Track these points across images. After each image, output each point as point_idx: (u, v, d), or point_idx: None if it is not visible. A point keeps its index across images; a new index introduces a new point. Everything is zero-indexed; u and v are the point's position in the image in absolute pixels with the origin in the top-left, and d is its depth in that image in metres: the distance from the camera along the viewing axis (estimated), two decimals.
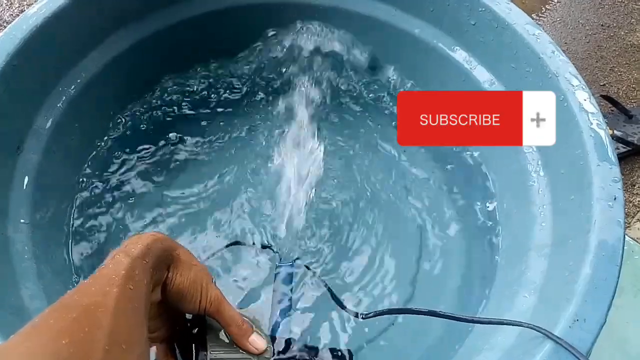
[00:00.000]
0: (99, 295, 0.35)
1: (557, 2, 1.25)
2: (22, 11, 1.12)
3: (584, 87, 0.58)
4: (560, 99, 0.58)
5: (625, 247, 0.49)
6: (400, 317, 0.64)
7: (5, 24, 1.10)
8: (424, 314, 0.54)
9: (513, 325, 0.47)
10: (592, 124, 0.55)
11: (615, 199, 0.50)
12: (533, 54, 0.62)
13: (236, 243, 0.67)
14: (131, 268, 0.37)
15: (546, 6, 1.25)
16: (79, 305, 0.34)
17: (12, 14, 1.11)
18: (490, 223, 0.68)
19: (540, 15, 1.23)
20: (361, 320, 0.60)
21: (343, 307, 0.61)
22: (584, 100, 0.57)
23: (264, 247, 0.67)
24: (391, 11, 0.74)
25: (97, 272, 0.37)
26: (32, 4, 1.12)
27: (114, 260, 0.38)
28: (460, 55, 0.71)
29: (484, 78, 0.69)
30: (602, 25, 1.21)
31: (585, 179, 0.53)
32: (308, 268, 0.65)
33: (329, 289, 0.63)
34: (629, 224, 0.90)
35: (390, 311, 0.60)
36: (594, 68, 1.13)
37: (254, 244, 0.67)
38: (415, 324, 0.63)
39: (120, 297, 0.35)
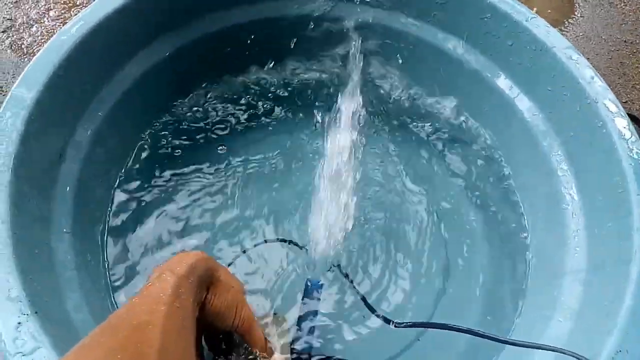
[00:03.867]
0: (147, 313, 0.36)
1: (580, 16, 1.25)
2: (48, 9, 1.12)
3: (623, 114, 0.59)
4: (598, 125, 0.59)
5: None
6: (425, 332, 0.64)
7: (31, 22, 1.10)
8: (462, 332, 0.54)
9: (554, 351, 0.48)
10: (631, 151, 0.56)
11: None
12: (572, 79, 0.62)
13: (275, 240, 0.68)
14: (177, 287, 0.39)
15: (569, 20, 1.25)
16: (129, 325, 0.35)
17: (38, 12, 1.11)
18: (521, 243, 0.68)
19: (562, 29, 1.23)
20: (393, 328, 0.60)
21: (377, 314, 0.61)
22: (623, 127, 0.58)
23: (298, 246, 0.68)
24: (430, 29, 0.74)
25: (144, 291, 0.39)
26: (58, 1, 1.12)
27: (160, 278, 0.40)
28: (494, 73, 0.71)
29: (524, 105, 0.69)
30: (625, 41, 1.21)
31: (624, 207, 0.54)
32: (345, 275, 0.65)
33: (363, 298, 0.63)
34: None
35: (426, 324, 0.59)
36: (616, 85, 1.13)
37: (290, 242, 0.68)
38: (439, 339, 0.63)
39: (168, 315, 0.36)
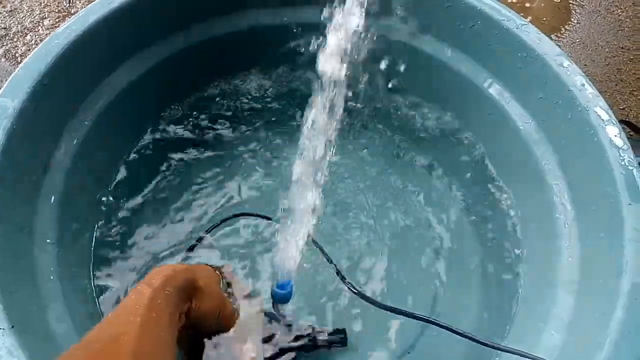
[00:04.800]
0: (123, 325, 0.37)
1: (577, 23, 1.25)
2: (42, 18, 1.12)
3: (614, 122, 0.58)
4: (590, 133, 0.58)
5: None
6: (420, 344, 0.63)
7: (25, 30, 1.10)
8: (440, 326, 0.52)
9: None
10: (623, 160, 0.55)
11: None
12: (563, 86, 0.61)
13: (241, 214, 0.69)
14: (153, 298, 0.39)
15: (565, 27, 1.25)
16: (105, 336, 0.36)
17: (32, 21, 1.12)
18: (513, 254, 0.67)
19: (559, 36, 1.22)
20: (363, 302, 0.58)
21: (349, 284, 0.60)
22: (615, 136, 0.57)
23: (267, 218, 0.69)
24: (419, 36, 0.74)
25: (122, 304, 0.39)
26: (53, 10, 1.12)
27: (136, 291, 0.40)
28: (486, 81, 0.70)
29: (516, 113, 0.68)
30: (622, 48, 1.20)
31: (616, 217, 0.52)
32: (321, 250, 0.64)
33: (336, 269, 0.63)
34: None
35: (394, 310, 0.56)
36: (613, 91, 1.13)
37: (258, 215, 0.69)
38: (435, 351, 0.63)
39: (144, 325, 0.36)
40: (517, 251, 0.67)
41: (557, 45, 1.10)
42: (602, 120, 0.58)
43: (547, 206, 0.63)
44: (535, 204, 0.65)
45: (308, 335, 0.60)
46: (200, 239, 0.67)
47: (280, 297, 0.57)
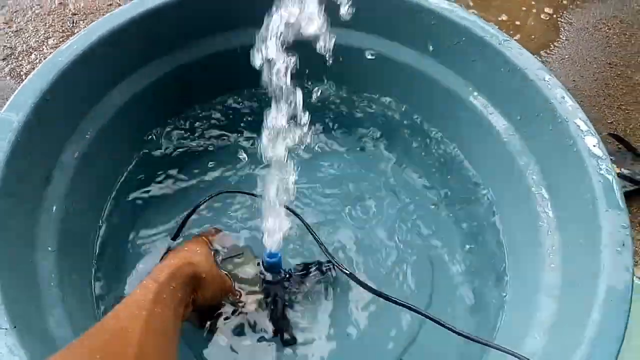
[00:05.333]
0: (129, 319, 0.39)
1: (565, 39, 1.28)
2: (47, 37, 1.16)
3: (593, 132, 0.60)
4: (569, 143, 0.60)
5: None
6: (413, 348, 0.64)
7: (30, 50, 1.13)
8: (426, 316, 0.55)
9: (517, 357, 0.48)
10: (601, 169, 0.57)
11: (623, 245, 0.52)
12: (544, 99, 0.64)
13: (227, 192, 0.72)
14: (159, 293, 0.42)
15: (554, 43, 1.28)
16: (111, 329, 0.38)
17: (37, 40, 1.15)
18: (499, 262, 0.69)
19: (548, 52, 1.26)
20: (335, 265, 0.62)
21: (327, 253, 0.62)
22: (593, 146, 0.59)
23: (254, 195, 0.70)
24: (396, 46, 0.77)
25: (127, 298, 0.42)
26: (57, 30, 1.16)
27: (142, 285, 0.43)
28: (470, 95, 0.73)
29: (501, 125, 0.71)
30: (609, 63, 1.23)
31: (594, 224, 0.54)
32: (295, 213, 0.65)
33: (315, 236, 0.64)
34: (636, 262, 0.91)
35: (381, 294, 0.57)
36: (602, 106, 1.15)
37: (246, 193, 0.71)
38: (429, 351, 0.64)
39: (148, 319, 0.39)
40: (503, 260, 0.69)
41: (546, 61, 1.14)
42: (582, 130, 0.60)
43: (531, 215, 0.65)
44: (520, 213, 0.67)
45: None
46: (183, 224, 0.67)
47: (270, 265, 0.60)
